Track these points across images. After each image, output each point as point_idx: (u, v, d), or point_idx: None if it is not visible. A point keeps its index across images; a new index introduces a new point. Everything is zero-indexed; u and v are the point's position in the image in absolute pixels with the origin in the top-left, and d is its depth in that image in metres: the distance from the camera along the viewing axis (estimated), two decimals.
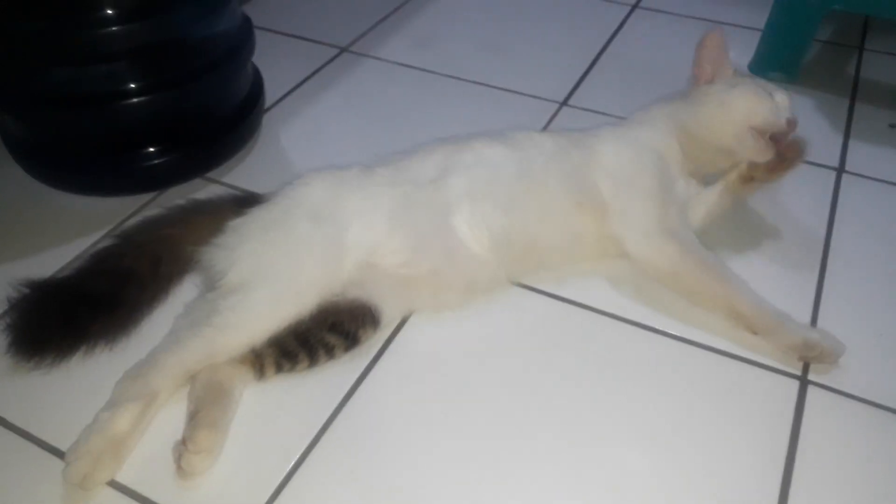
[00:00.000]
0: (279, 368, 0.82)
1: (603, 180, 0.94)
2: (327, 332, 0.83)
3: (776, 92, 0.96)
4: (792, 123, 0.93)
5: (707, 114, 0.96)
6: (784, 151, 0.93)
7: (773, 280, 0.95)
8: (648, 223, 0.92)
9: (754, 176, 0.97)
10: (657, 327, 0.89)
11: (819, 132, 1.23)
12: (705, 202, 1.00)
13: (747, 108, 0.94)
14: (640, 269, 0.93)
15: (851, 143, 1.20)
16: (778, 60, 1.35)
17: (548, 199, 0.93)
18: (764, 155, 0.92)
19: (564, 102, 1.30)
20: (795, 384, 0.83)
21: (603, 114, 1.26)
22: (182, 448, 0.72)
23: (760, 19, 1.40)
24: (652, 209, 0.93)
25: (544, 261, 0.95)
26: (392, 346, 0.87)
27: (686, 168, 0.98)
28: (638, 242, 0.92)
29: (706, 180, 1.00)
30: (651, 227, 0.92)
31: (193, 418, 0.74)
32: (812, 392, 0.82)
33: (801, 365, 0.85)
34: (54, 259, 0.96)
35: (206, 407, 0.75)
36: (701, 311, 0.89)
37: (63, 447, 0.74)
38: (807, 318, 0.91)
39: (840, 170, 1.15)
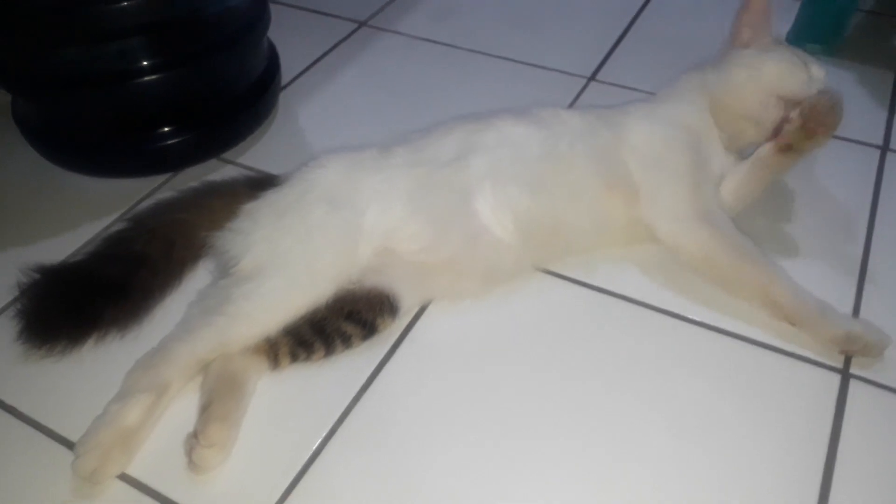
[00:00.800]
0: (294, 358, 0.80)
1: (633, 160, 0.90)
2: (344, 321, 0.81)
3: (812, 64, 0.91)
4: (829, 94, 0.86)
5: (735, 78, 0.92)
6: (818, 116, 0.84)
7: (812, 267, 0.90)
8: (680, 206, 0.88)
9: (792, 144, 0.87)
10: (691, 317, 0.85)
11: (862, 108, 1.16)
12: (736, 178, 0.93)
13: (779, 75, 0.89)
14: (673, 254, 0.88)
15: None
16: (818, 31, 1.28)
17: (575, 180, 0.88)
18: (798, 127, 0.85)
19: (592, 77, 1.25)
20: (837, 378, 0.79)
21: (632, 89, 1.21)
22: (194, 442, 0.70)
23: None
24: (684, 191, 0.88)
25: (571, 246, 0.91)
26: (411, 335, 0.84)
27: (722, 141, 0.93)
28: (670, 227, 0.88)
29: (744, 154, 0.95)
30: (683, 211, 0.88)
31: (206, 411, 0.72)
32: (854, 386, 0.78)
33: (842, 358, 0.80)
34: (66, 243, 0.95)
35: (219, 399, 0.73)
36: (737, 300, 0.85)
37: (73, 437, 0.72)
38: (849, 308, 0.86)
39: (885, 148, 1.09)
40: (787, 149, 0.87)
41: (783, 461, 0.72)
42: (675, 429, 0.75)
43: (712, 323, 0.85)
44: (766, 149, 0.89)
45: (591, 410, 0.76)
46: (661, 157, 0.90)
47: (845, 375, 0.79)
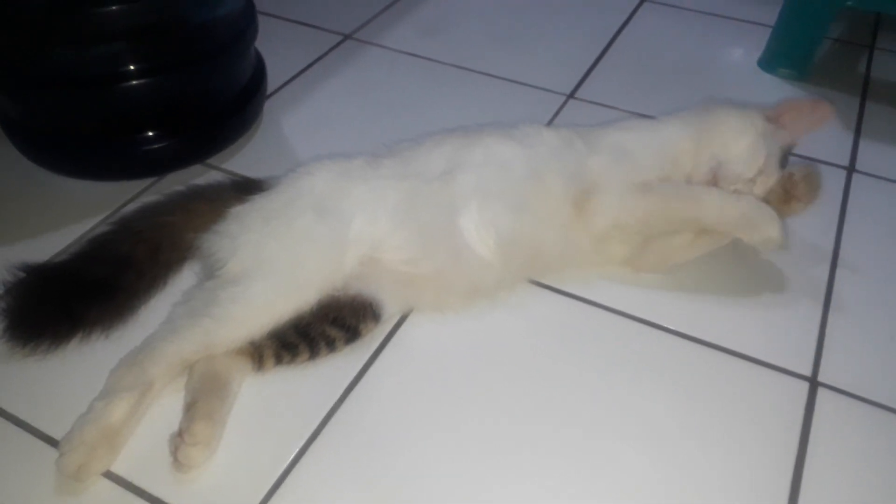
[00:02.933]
0: (279, 360, 0.81)
1: (595, 158, 0.90)
2: (328, 325, 0.82)
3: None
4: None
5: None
6: (792, 189, 0.90)
7: (781, 279, 0.93)
8: (624, 182, 0.88)
9: (793, 195, 0.90)
10: (664, 325, 0.88)
11: (829, 131, 1.21)
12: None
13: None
14: (618, 233, 0.90)
15: (862, 142, 1.18)
16: (788, 57, 1.33)
17: (552, 201, 0.89)
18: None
19: (571, 95, 1.28)
20: (805, 385, 0.82)
21: (610, 107, 1.24)
22: (179, 440, 0.71)
23: (768, 15, 1.39)
24: (634, 175, 0.89)
25: (549, 266, 0.93)
26: (394, 340, 0.86)
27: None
28: (610, 203, 0.88)
29: None
30: (625, 185, 0.88)
31: (190, 409, 0.73)
32: (822, 394, 0.81)
33: (811, 367, 0.83)
34: (51, 243, 0.95)
35: (204, 398, 0.74)
36: (709, 308, 0.87)
37: (57, 435, 0.72)
38: (817, 319, 0.89)
39: (850, 169, 1.13)
40: (789, 200, 0.90)
41: (752, 468, 0.74)
42: (647, 436, 0.77)
43: (685, 331, 0.87)
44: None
45: (567, 417, 0.78)
46: (625, 153, 0.91)
47: (813, 383, 0.82)
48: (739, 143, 0.90)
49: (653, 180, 0.89)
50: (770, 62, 1.35)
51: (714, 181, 0.90)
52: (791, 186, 0.90)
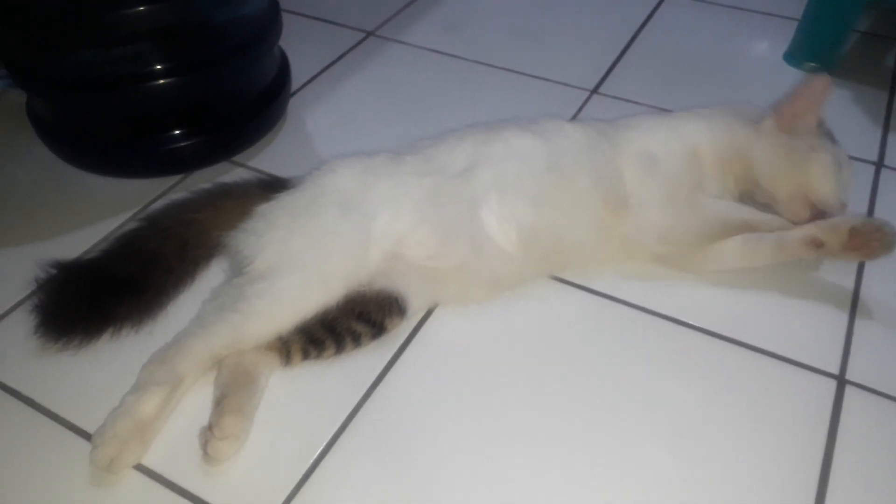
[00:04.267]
0: (306, 355, 0.81)
1: (628, 167, 0.91)
2: (354, 321, 0.83)
3: (845, 167, 0.92)
4: (844, 206, 0.91)
5: (777, 165, 0.92)
6: (864, 240, 0.85)
7: (809, 276, 0.93)
8: (665, 196, 0.90)
9: (825, 243, 0.87)
10: (691, 322, 0.88)
11: (857, 125, 1.19)
12: (748, 243, 0.91)
13: (816, 180, 0.90)
14: (662, 248, 0.91)
15: (891, 137, 1.16)
16: (815, 51, 1.32)
17: (576, 195, 0.90)
18: (799, 220, 0.90)
19: (595, 90, 1.27)
20: (833, 383, 0.81)
21: (633, 102, 1.24)
22: (208, 434, 0.72)
23: (793, 8, 1.37)
24: (671, 185, 0.90)
25: (571, 260, 0.93)
26: (419, 335, 0.86)
27: (712, 184, 0.94)
28: (655, 219, 0.89)
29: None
30: (668, 200, 0.89)
31: (220, 404, 0.74)
32: (850, 392, 0.80)
33: (839, 364, 0.83)
34: (80, 241, 0.96)
35: (233, 392, 0.75)
36: (736, 305, 0.87)
37: (89, 429, 0.74)
38: (845, 316, 0.88)
39: (879, 164, 1.12)
40: (819, 246, 0.87)
41: (779, 467, 0.74)
42: (673, 433, 0.77)
43: (712, 328, 0.87)
44: (794, 239, 0.88)
45: (592, 413, 0.78)
46: (656, 162, 0.92)
47: (841, 381, 0.81)
48: (826, 177, 0.91)
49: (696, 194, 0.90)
50: (796, 56, 1.33)
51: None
52: (859, 239, 0.86)
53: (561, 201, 0.89)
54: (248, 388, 0.76)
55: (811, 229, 0.87)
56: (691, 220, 0.89)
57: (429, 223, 0.87)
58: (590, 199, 0.90)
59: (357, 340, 0.83)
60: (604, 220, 0.90)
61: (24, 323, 0.84)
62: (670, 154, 0.93)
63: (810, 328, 0.87)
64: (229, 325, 0.78)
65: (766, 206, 0.94)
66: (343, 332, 0.82)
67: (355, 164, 0.92)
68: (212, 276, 0.90)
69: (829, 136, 0.95)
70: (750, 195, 0.96)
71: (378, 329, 0.84)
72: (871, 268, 0.94)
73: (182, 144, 1.08)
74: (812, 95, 0.92)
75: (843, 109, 1.21)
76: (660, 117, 0.99)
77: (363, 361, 0.83)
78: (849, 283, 0.92)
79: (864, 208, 1.03)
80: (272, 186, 0.93)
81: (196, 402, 0.77)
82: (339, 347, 0.82)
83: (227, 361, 0.78)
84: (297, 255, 0.83)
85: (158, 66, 1.01)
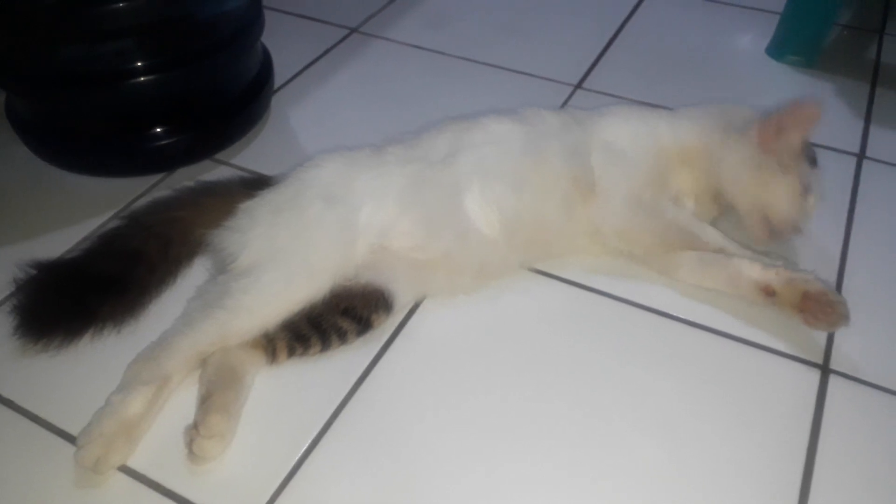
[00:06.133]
0: (291, 352, 0.81)
1: (594, 152, 0.92)
2: (340, 317, 0.82)
3: (814, 193, 0.91)
4: (797, 231, 0.91)
5: (743, 177, 0.91)
6: (815, 308, 0.82)
7: (792, 267, 0.92)
8: (631, 193, 0.90)
9: (777, 294, 0.84)
10: (676, 314, 0.88)
11: (839, 117, 1.20)
12: (702, 264, 0.89)
13: (777, 200, 0.90)
14: (621, 245, 0.91)
15: (872, 129, 1.17)
16: (797, 44, 1.32)
17: (549, 175, 0.90)
18: (758, 236, 0.91)
19: (579, 85, 1.28)
20: (817, 373, 0.82)
21: (617, 96, 1.24)
22: (194, 432, 0.71)
23: (774, 2, 1.38)
24: (637, 181, 0.90)
25: (552, 246, 0.93)
26: (405, 331, 0.86)
27: (677, 181, 0.94)
28: (616, 213, 0.89)
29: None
30: (633, 198, 0.89)
31: (205, 402, 0.73)
32: (834, 381, 0.81)
33: (822, 354, 0.83)
34: (62, 240, 0.95)
35: (218, 391, 0.74)
36: (721, 297, 0.87)
37: (72, 430, 0.73)
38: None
39: (861, 156, 1.12)
40: (770, 294, 0.85)
41: (764, 456, 0.74)
42: (658, 424, 0.77)
43: (695, 320, 0.87)
44: (749, 280, 0.86)
45: (578, 404, 0.78)
46: (623, 153, 0.92)
47: (825, 371, 0.82)
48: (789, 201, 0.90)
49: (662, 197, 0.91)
50: (778, 49, 1.34)
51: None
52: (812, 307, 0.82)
53: (538, 183, 0.90)
54: (234, 387, 0.75)
55: (769, 275, 0.84)
56: (651, 222, 0.90)
57: (413, 212, 0.87)
58: (561, 179, 0.90)
59: (343, 337, 0.83)
60: (575, 201, 0.90)
61: (3, 324, 0.82)
62: (637, 146, 0.93)
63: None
64: (216, 322, 0.78)
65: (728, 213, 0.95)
66: (329, 328, 0.82)
67: (338, 158, 0.92)
68: (195, 274, 0.89)
69: (811, 160, 0.93)
70: (715, 199, 0.95)
71: (364, 325, 0.83)
72: (853, 258, 0.95)
73: (164, 142, 1.07)
74: (802, 117, 0.89)
75: (826, 102, 1.21)
76: (636, 109, 1.00)
77: (349, 357, 0.82)
78: (832, 272, 0.93)
79: (846, 199, 1.04)
80: (255, 184, 0.92)
81: (180, 401, 0.76)
82: (325, 344, 0.82)
83: (212, 359, 0.77)
84: (282, 249, 0.83)
85: (139, 63, 1.00)
